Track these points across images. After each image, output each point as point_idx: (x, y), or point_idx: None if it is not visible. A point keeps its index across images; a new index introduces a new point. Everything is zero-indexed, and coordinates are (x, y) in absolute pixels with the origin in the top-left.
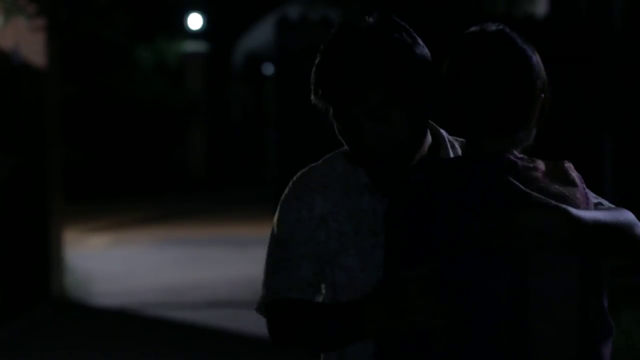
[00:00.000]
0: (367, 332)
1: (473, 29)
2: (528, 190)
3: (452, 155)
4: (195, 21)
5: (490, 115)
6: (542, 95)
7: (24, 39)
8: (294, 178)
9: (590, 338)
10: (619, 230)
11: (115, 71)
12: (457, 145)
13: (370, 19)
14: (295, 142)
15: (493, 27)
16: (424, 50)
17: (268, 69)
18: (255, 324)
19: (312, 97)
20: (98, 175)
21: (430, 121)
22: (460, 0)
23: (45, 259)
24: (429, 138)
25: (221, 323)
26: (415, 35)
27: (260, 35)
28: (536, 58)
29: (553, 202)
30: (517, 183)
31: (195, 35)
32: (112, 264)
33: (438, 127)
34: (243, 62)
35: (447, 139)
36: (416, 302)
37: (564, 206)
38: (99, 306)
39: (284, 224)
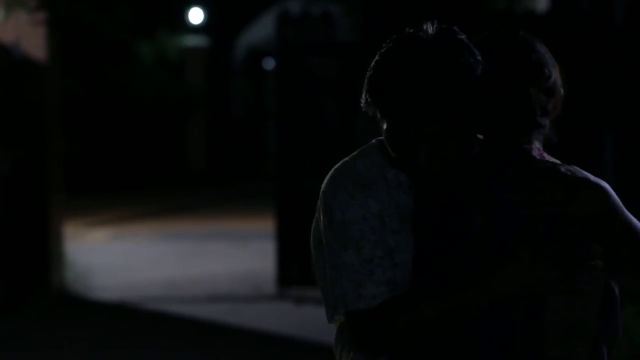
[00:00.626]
0: (499, 293)
1: (483, 34)
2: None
3: None
4: (196, 16)
5: (496, 117)
6: (553, 89)
7: (25, 33)
8: (335, 176)
9: (598, 342)
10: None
11: (116, 65)
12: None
13: (431, 30)
14: (295, 136)
15: (500, 30)
16: (481, 68)
17: (269, 63)
18: (255, 318)
19: (363, 102)
20: (98, 169)
21: None
22: None
23: (45, 253)
24: None
25: (221, 317)
26: (474, 50)
27: (261, 30)
28: (540, 55)
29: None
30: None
31: (196, 29)
32: (112, 258)
33: None
34: (244, 57)
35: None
36: (540, 258)
37: (603, 183)
38: (99, 300)
39: (350, 225)
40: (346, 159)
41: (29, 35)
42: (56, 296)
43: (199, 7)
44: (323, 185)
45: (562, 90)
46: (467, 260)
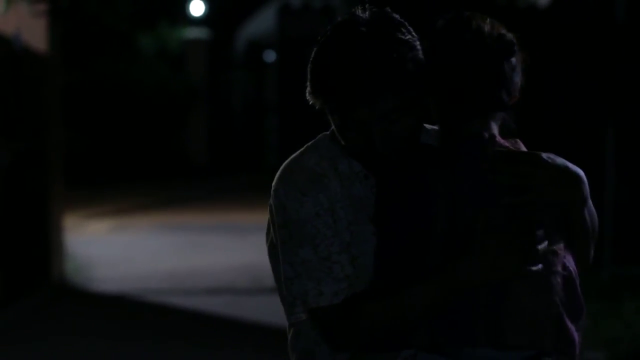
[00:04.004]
0: (463, 286)
1: (442, 18)
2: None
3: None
4: (197, 8)
5: (463, 98)
6: (516, 75)
7: (26, 24)
8: (285, 173)
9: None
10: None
11: (117, 57)
12: (432, 132)
13: (366, 14)
14: (295, 128)
15: (458, 14)
16: (418, 43)
17: (269, 56)
18: (255, 310)
19: (308, 94)
20: (99, 161)
21: None
22: None
23: (46, 245)
24: None
25: (221, 309)
26: (409, 28)
27: (262, 22)
28: (501, 39)
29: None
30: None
31: (197, 21)
32: (112, 249)
33: None
34: (244, 49)
35: (424, 128)
36: (507, 248)
37: (580, 171)
38: (99, 292)
39: (305, 223)
40: (294, 154)
41: (29, 27)
42: (56, 288)
43: None
44: (274, 183)
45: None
46: (429, 249)
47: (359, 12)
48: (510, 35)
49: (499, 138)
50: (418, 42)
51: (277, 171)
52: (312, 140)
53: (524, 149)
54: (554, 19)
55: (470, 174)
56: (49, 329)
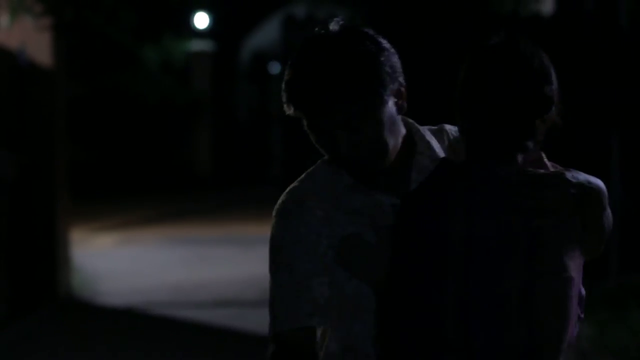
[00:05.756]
0: None
1: (482, 46)
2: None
3: (425, 143)
4: (201, 20)
5: (498, 123)
6: (551, 105)
7: (31, 38)
8: (282, 199)
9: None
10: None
11: (122, 70)
12: (428, 133)
13: (336, 27)
14: (300, 141)
15: (502, 38)
16: (389, 55)
17: (274, 67)
18: (261, 323)
19: (285, 109)
20: (104, 174)
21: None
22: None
23: (52, 258)
24: (402, 130)
25: (227, 322)
26: (380, 41)
27: (267, 34)
28: (553, 86)
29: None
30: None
31: (201, 34)
32: (118, 263)
33: (407, 118)
34: (249, 61)
35: (419, 129)
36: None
37: (601, 184)
38: (106, 305)
39: (281, 249)
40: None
41: (34, 41)
42: (63, 301)
43: (204, 11)
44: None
45: (558, 104)
46: (446, 266)
47: (331, 25)
48: (548, 61)
49: (524, 158)
50: (385, 53)
51: (281, 183)
52: (312, 167)
53: (547, 163)
54: (557, 28)
55: (513, 193)
56: (55, 343)
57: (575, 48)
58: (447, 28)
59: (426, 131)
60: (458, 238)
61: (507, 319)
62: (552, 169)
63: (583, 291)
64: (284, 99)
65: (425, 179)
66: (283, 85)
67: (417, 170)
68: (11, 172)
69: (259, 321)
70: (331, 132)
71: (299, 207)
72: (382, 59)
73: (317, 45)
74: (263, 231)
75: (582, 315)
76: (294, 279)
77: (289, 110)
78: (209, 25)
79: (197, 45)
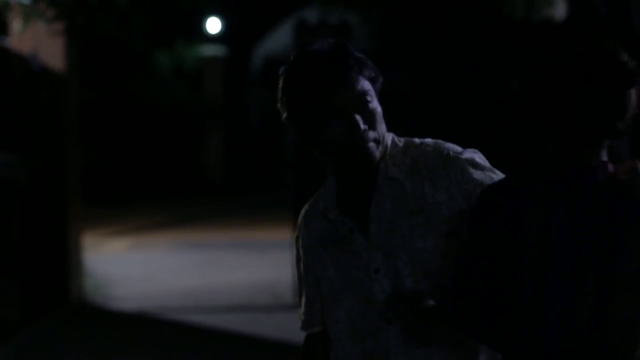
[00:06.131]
0: None
1: (566, 41)
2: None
3: (397, 146)
4: (213, 25)
5: (579, 125)
6: (633, 103)
7: (43, 43)
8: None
9: None
10: None
11: (134, 75)
12: (399, 140)
13: (325, 46)
14: None
15: (581, 38)
16: (364, 68)
17: None
18: (274, 328)
19: (285, 120)
20: (117, 179)
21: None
22: (479, 4)
23: (64, 263)
24: (387, 137)
25: (239, 327)
26: (360, 57)
27: (279, 39)
28: (624, 67)
29: None
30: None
31: (213, 39)
32: (130, 267)
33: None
34: (261, 66)
35: (391, 136)
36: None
37: None
38: (118, 310)
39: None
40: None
41: (47, 46)
42: (75, 306)
43: (216, 16)
44: None
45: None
46: (520, 269)
47: (317, 44)
48: (632, 63)
49: (609, 165)
50: (359, 66)
51: (293, 188)
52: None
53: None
54: (570, 33)
55: (575, 204)
56: (67, 348)
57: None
58: (460, 33)
59: (417, 145)
60: (535, 236)
61: (575, 335)
62: None
63: None
64: (285, 111)
65: (506, 177)
66: (279, 91)
67: (379, 187)
68: (23, 177)
69: (271, 326)
70: (323, 119)
71: (304, 217)
72: (353, 73)
73: (297, 63)
74: (275, 236)
75: None
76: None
77: (284, 113)
78: (221, 30)
79: (209, 50)
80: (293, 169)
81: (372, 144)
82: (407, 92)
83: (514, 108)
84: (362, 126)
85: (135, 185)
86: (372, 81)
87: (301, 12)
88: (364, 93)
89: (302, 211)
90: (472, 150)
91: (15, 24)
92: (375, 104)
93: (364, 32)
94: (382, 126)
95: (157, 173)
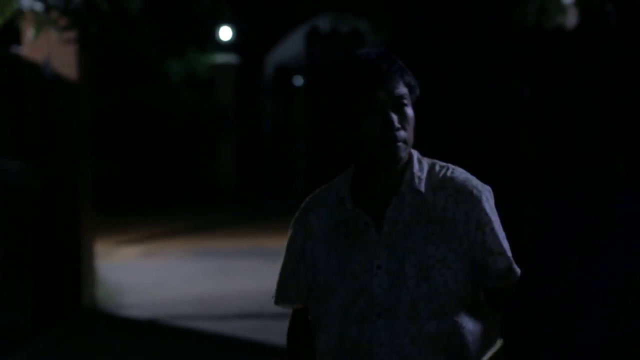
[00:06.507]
0: None
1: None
2: None
3: (422, 163)
4: (225, 33)
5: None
6: None
7: (56, 51)
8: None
9: None
10: None
11: (146, 83)
12: (423, 157)
13: (373, 52)
14: (324, 153)
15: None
16: (405, 75)
17: (298, 80)
18: (285, 336)
19: (328, 116)
20: (129, 187)
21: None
22: (490, 12)
23: (77, 271)
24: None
25: (251, 334)
26: (403, 65)
27: (291, 47)
28: None
29: None
30: None
31: (225, 47)
32: (142, 275)
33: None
34: (273, 74)
35: (416, 153)
36: None
37: None
38: (130, 317)
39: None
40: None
41: (59, 54)
42: (87, 313)
43: (228, 24)
44: None
45: None
46: (567, 270)
47: (365, 50)
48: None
49: None
50: (399, 73)
51: (305, 195)
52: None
53: None
54: (581, 41)
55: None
56: (80, 355)
57: (599, 61)
58: (471, 40)
59: (423, 166)
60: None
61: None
62: None
63: None
64: (327, 98)
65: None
66: (328, 87)
67: (400, 193)
68: (36, 185)
69: (282, 333)
70: (379, 111)
71: (304, 211)
72: (398, 77)
73: (344, 67)
74: None
75: None
76: (286, 271)
77: (330, 107)
78: (233, 38)
79: (221, 58)
80: (304, 177)
81: (401, 144)
82: (417, 98)
83: (525, 115)
84: (397, 125)
85: (148, 193)
86: (411, 90)
87: (313, 21)
88: (402, 96)
89: (309, 197)
90: (488, 189)
91: (28, 32)
92: (410, 110)
93: (376, 40)
94: (412, 132)
95: (169, 180)
